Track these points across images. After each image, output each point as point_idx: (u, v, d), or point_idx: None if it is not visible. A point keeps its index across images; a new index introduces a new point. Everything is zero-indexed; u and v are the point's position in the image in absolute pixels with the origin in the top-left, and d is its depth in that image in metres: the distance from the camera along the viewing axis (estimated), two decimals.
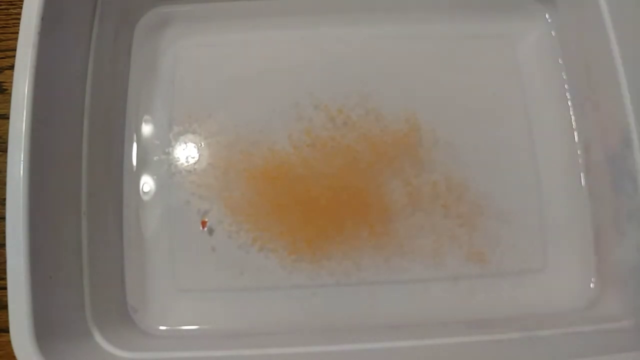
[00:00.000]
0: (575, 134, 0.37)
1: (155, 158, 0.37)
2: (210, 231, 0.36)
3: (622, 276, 0.34)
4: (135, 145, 0.37)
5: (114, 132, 0.37)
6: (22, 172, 0.28)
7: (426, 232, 0.36)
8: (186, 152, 0.37)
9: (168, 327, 0.35)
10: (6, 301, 0.27)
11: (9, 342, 0.27)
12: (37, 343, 0.27)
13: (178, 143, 0.37)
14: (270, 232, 0.36)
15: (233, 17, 0.39)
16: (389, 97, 0.38)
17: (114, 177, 0.36)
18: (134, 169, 0.37)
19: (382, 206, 0.36)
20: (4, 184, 0.28)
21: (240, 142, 0.37)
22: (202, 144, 0.37)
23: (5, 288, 0.27)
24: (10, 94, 0.28)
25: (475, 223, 0.36)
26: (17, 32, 0.29)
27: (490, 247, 0.36)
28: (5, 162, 0.28)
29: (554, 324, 0.32)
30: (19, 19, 0.29)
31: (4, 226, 0.27)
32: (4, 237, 0.27)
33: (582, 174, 0.37)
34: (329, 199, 0.36)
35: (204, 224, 0.36)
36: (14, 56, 0.29)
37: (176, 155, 0.37)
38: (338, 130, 0.37)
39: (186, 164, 0.37)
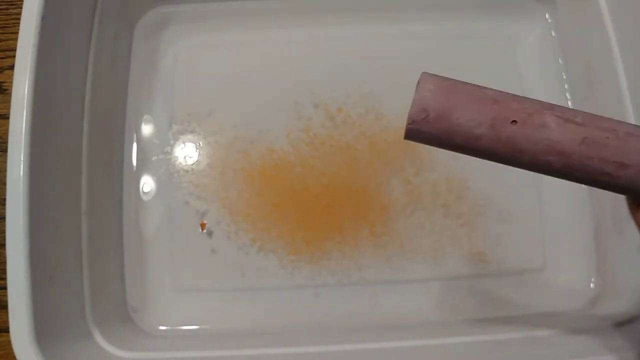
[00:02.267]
0: None
1: (154, 158, 0.37)
2: (210, 233, 0.36)
3: (622, 276, 0.34)
4: (135, 145, 0.37)
5: (114, 132, 0.37)
6: (22, 172, 0.28)
7: (426, 232, 0.36)
8: (185, 152, 0.37)
9: (168, 327, 0.35)
10: (6, 301, 0.27)
11: (9, 342, 0.27)
12: (37, 343, 0.27)
13: (177, 143, 0.37)
14: (269, 232, 0.36)
15: (233, 17, 0.39)
16: (389, 96, 0.38)
17: (114, 177, 0.36)
18: (134, 169, 0.37)
19: (382, 205, 0.36)
20: (4, 184, 0.28)
21: (238, 142, 0.37)
22: (201, 143, 0.37)
23: (5, 288, 0.27)
24: (10, 94, 0.28)
25: (476, 223, 0.36)
26: (17, 32, 0.29)
27: (491, 247, 0.36)
28: (5, 162, 0.28)
29: (554, 324, 0.32)
30: (19, 19, 0.29)
31: (4, 226, 0.27)
32: (4, 237, 0.27)
33: None
34: (328, 198, 0.36)
35: (203, 226, 0.36)
36: (14, 56, 0.29)
37: (175, 155, 0.37)
38: (337, 128, 0.37)
39: (184, 164, 0.37)
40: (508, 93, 0.21)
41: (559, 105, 0.21)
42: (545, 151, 0.20)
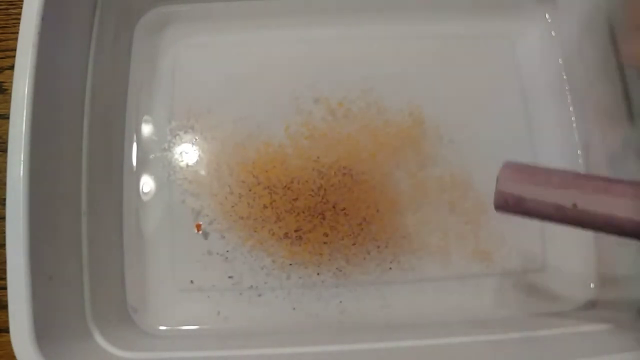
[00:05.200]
0: (575, 134, 0.37)
1: (152, 156, 0.37)
2: (205, 235, 0.36)
3: (622, 276, 0.34)
4: (135, 145, 0.37)
5: (114, 132, 0.37)
6: (22, 172, 0.28)
7: (432, 229, 0.36)
8: (181, 149, 0.37)
9: (168, 327, 0.35)
10: (6, 301, 0.27)
11: (9, 342, 0.27)
12: (37, 343, 0.27)
13: (175, 140, 0.37)
14: (265, 231, 0.36)
15: (233, 17, 0.39)
16: (390, 93, 0.38)
17: (114, 177, 0.36)
18: (134, 169, 0.37)
19: (388, 200, 0.36)
20: (4, 184, 0.28)
21: (235, 136, 0.37)
22: (198, 139, 0.37)
23: (5, 288, 0.27)
24: (10, 94, 0.28)
25: (480, 221, 0.36)
26: (17, 32, 0.29)
27: (495, 246, 0.36)
28: (5, 162, 0.28)
29: (554, 324, 0.32)
30: (19, 19, 0.29)
31: (4, 226, 0.27)
32: (4, 237, 0.27)
33: None
34: (329, 192, 0.36)
35: (198, 227, 0.36)
36: (14, 56, 0.29)
37: (172, 153, 0.37)
38: (338, 122, 0.37)
39: (181, 161, 0.37)
40: (572, 174, 0.26)
41: (616, 182, 0.25)
42: (603, 226, 0.25)
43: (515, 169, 0.27)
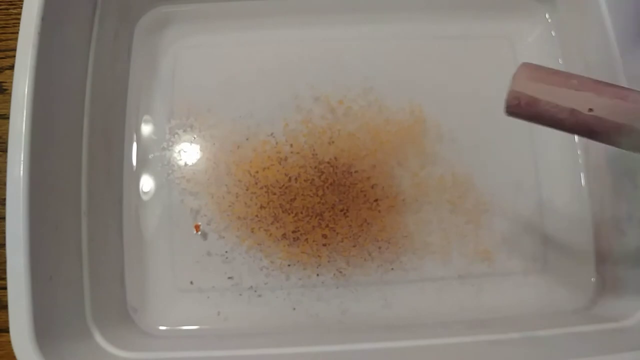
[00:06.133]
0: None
1: (151, 156, 0.37)
2: (204, 235, 0.36)
3: (622, 276, 0.34)
4: (135, 145, 0.37)
5: (114, 132, 0.37)
6: (22, 172, 0.28)
7: (434, 229, 0.36)
8: (180, 148, 0.37)
9: (168, 327, 0.35)
10: (6, 301, 0.27)
11: (9, 342, 0.27)
12: (37, 343, 0.27)
13: (174, 140, 0.37)
14: (262, 231, 0.36)
15: (233, 17, 0.39)
16: (391, 92, 0.38)
17: (113, 177, 0.36)
18: (134, 169, 0.37)
19: (390, 199, 0.36)
20: (4, 184, 0.28)
21: (234, 135, 0.37)
22: (199, 140, 0.37)
23: (5, 288, 0.27)
24: (10, 94, 0.28)
25: (481, 220, 0.36)
26: (17, 32, 0.29)
27: (496, 246, 0.36)
28: (5, 162, 0.28)
29: (554, 324, 0.32)
30: (19, 19, 0.29)
31: (4, 226, 0.27)
32: (4, 237, 0.27)
33: (582, 174, 0.37)
34: (327, 192, 0.36)
35: (197, 227, 0.36)
36: (14, 56, 0.29)
37: (171, 152, 0.37)
38: (338, 120, 0.37)
39: (179, 160, 0.37)
40: (592, 80, 0.25)
41: (637, 91, 0.24)
42: (615, 135, 0.24)
43: (534, 68, 0.26)
